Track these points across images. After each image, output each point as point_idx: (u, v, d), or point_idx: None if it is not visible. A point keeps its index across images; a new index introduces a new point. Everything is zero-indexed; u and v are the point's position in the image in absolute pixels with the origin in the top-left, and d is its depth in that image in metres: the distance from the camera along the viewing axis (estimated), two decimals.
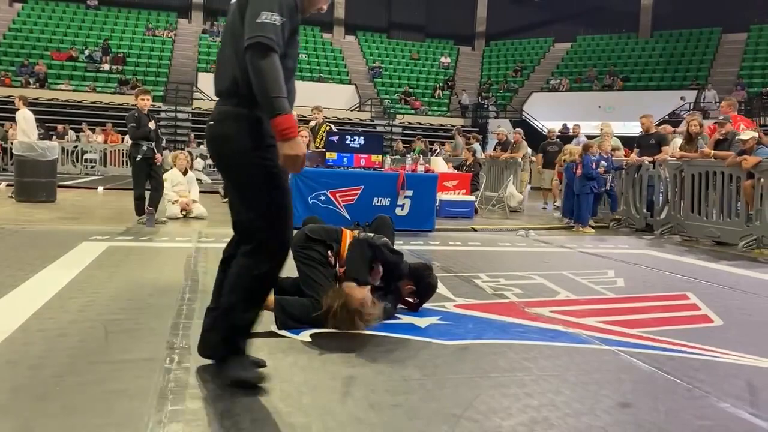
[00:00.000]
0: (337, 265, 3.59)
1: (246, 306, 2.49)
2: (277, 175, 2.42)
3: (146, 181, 7.79)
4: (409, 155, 13.87)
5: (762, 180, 7.22)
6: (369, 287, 3.36)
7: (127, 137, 19.76)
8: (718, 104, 21.32)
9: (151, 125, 7.80)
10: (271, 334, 3.21)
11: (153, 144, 7.80)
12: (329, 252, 3.56)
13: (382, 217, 4.16)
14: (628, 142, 11.69)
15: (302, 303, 3.37)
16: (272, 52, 2.26)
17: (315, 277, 3.43)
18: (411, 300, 3.81)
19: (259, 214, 2.42)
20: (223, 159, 2.50)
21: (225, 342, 2.50)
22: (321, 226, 3.75)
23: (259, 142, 2.40)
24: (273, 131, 2.28)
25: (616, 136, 11.07)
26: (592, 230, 8.76)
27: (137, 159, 7.72)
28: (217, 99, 2.56)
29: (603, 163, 8.97)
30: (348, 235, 3.64)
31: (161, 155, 8.05)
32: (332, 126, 10.34)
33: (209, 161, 19.28)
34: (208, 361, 2.74)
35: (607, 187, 9.17)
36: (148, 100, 7.92)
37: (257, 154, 2.40)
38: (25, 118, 10.40)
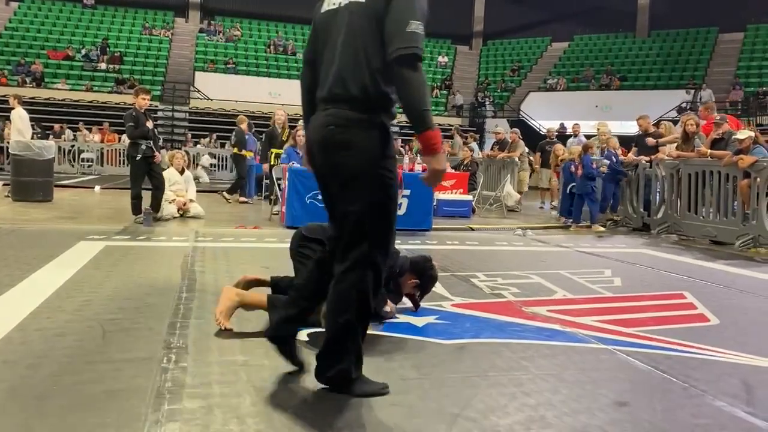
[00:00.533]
0: None
1: (361, 322, 2.43)
2: (394, 187, 2.40)
3: (143, 181, 7.79)
4: (406, 155, 13.87)
5: (758, 179, 7.24)
6: None
7: (124, 136, 19.83)
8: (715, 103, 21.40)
9: (149, 124, 7.79)
10: None
11: (151, 143, 7.79)
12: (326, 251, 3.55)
13: None
14: (625, 141, 11.72)
15: None
16: (421, 64, 2.25)
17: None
18: (415, 294, 3.77)
19: (376, 228, 2.35)
20: (344, 168, 2.33)
21: (358, 361, 2.45)
22: (319, 224, 3.73)
23: (385, 152, 2.36)
24: (421, 144, 2.29)
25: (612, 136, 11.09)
26: (602, 228, 8.76)
27: (136, 158, 7.71)
28: (327, 103, 2.39)
29: (605, 161, 9.01)
30: None
31: (159, 154, 8.06)
32: None
33: (214, 160, 19.33)
34: (206, 361, 2.75)
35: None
36: (147, 99, 7.91)
37: (382, 163, 2.34)
38: (20, 116, 10.39)
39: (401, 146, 21.03)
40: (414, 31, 2.21)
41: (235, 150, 11.58)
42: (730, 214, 7.67)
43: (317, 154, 2.43)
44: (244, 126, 11.76)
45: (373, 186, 2.32)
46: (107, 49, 26.17)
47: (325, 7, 2.48)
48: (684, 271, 5.75)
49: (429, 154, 2.27)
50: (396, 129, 25.43)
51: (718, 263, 6.31)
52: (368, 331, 3.25)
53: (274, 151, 10.47)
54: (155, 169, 7.89)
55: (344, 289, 2.36)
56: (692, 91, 23.95)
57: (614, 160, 9.15)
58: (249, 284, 3.64)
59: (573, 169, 9.20)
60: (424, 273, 3.74)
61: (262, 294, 3.44)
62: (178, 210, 8.52)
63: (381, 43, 2.26)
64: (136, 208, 7.73)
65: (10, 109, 10.93)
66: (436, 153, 2.26)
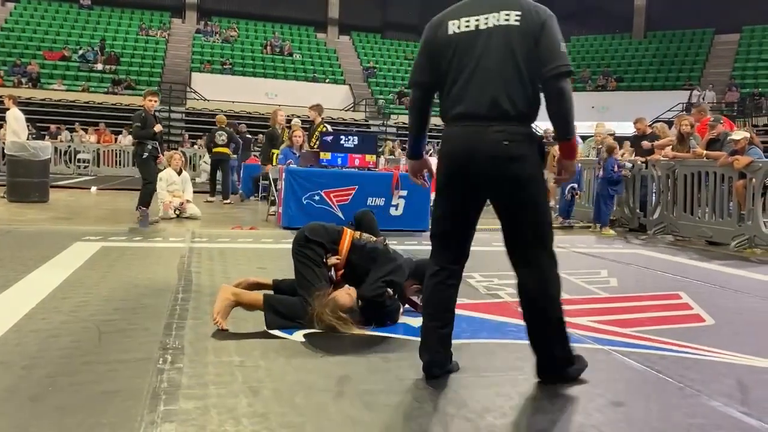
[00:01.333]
0: (333, 270, 3.57)
1: (561, 311, 2.67)
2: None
3: (155, 173, 8.06)
4: (402, 157, 13.89)
5: (754, 180, 7.26)
6: (347, 290, 3.39)
7: (120, 137, 19.90)
8: (710, 103, 21.47)
9: (157, 128, 8.01)
10: (264, 334, 3.21)
11: (157, 144, 8.04)
12: (326, 253, 3.55)
13: (364, 213, 4.02)
14: (621, 143, 11.72)
15: (292, 302, 3.36)
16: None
17: (308, 276, 3.41)
18: (417, 300, 3.69)
19: (546, 222, 2.64)
20: (520, 179, 2.54)
21: (568, 353, 2.69)
22: (322, 225, 3.70)
23: (541, 160, 2.62)
24: (564, 149, 2.64)
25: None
26: (613, 232, 8.65)
27: (143, 156, 7.92)
28: (491, 120, 2.52)
29: (628, 164, 8.98)
30: (348, 235, 3.62)
31: (162, 156, 8.27)
32: (327, 126, 10.34)
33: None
34: (202, 361, 2.75)
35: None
36: (155, 101, 8.21)
37: (541, 170, 2.63)
38: (16, 117, 10.36)
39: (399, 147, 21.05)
40: (564, 51, 2.51)
41: (223, 149, 11.58)
42: (726, 215, 7.69)
43: (482, 165, 2.53)
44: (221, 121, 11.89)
45: (540, 191, 2.61)
46: (104, 50, 26.09)
47: (456, 29, 2.57)
48: (680, 271, 5.77)
49: (568, 158, 2.66)
50: (393, 130, 25.49)
51: (713, 263, 6.32)
52: (365, 331, 3.28)
53: (275, 151, 10.47)
54: (156, 170, 8.17)
55: (549, 287, 2.64)
56: (699, 91, 23.95)
57: (627, 165, 8.99)
58: (250, 287, 3.63)
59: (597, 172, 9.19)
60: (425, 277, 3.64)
61: (258, 293, 3.44)
62: (175, 210, 8.51)
63: (536, 63, 2.49)
64: (145, 201, 7.93)
65: (5, 110, 10.91)
66: (573, 158, 2.68)
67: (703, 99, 23.16)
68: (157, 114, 8.29)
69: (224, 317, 3.22)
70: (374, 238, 3.69)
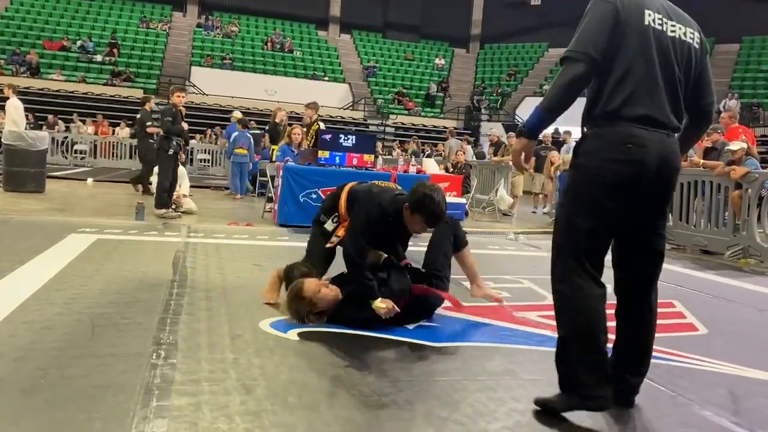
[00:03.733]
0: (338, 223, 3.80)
1: None
2: None
3: (172, 175, 7.98)
4: (401, 157, 13.90)
5: (750, 190, 7.29)
6: (324, 283, 3.44)
7: (117, 129, 19.84)
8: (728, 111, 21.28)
9: (184, 125, 8.03)
10: (258, 332, 3.21)
11: (182, 141, 8.06)
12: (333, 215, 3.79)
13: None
14: None
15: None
16: None
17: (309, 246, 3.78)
18: (420, 230, 3.62)
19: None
20: (673, 187, 2.50)
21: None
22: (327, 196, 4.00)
23: None
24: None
25: None
26: None
27: (168, 152, 7.90)
28: (673, 131, 2.40)
29: None
30: (345, 189, 3.81)
31: (184, 154, 8.32)
32: (321, 123, 10.32)
33: (207, 156, 19.27)
34: (195, 358, 2.75)
35: None
36: (183, 97, 8.27)
37: None
38: (15, 107, 10.33)
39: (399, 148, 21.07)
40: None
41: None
42: (721, 224, 7.71)
43: (664, 172, 2.36)
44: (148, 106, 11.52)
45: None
46: (115, 44, 25.93)
47: (655, 25, 2.35)
48: (674, 279, 5.78)
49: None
50: (392, 130, 25.50)
51: (707, 273, 6.34)
52: (359, 332, 3.28)
53: (274, 148, 10.46)
54: (176, 166, 8.14)
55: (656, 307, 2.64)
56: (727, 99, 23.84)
57: None
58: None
59: None
60: (423, 207, 3.41)
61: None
62: (171, 205, 8.49)
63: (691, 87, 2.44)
64: (162, 201, 7.84)
65: (4, 99, 10.87)
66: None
67: (724, 106, 22.91)
68: (182, 110, 8.28)
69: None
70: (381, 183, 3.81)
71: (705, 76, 2.50)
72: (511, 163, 12.05)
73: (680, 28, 2.41)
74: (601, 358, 2.32)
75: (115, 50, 25.64)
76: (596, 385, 2.28)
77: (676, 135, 2.44)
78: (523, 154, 2.40)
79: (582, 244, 2.35)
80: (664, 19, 2.37)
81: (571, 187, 2.41)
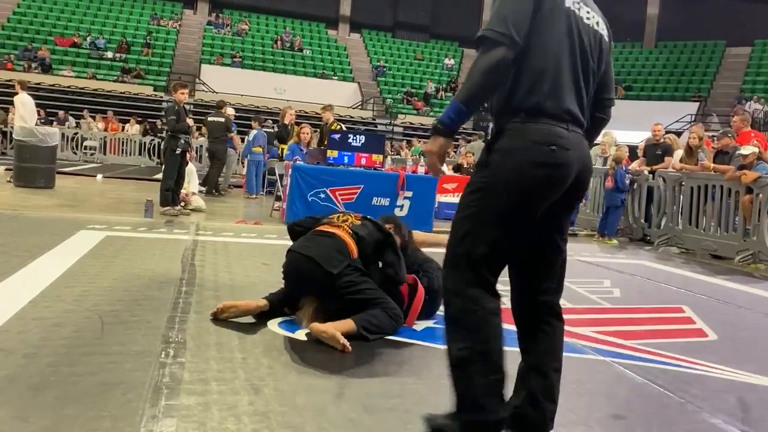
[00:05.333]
0: None
1: None
2: None
3: (177, 174, 7.97)
4: (409, 157, 13.88)
5: (760, 195, 7.23)
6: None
7: (127, 126, 19.92)
8: (743, 114, 21.06)
9: (189, 122, 8.00)
10: (267, 332, 3.21)
11: (189, 138, 8.03)
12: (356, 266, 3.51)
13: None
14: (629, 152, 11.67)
15: (377, 316, 3.31)
16: None
17: (368, 296, 3.34)
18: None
19: None
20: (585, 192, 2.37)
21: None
22: (324, 249, 3.40)
23: None
24: None
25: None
26: (616, 242, 8.64)
27: (176, 151, 7.87)
28: (570, 125, 2.06)
29: (629, 175, 8.97)
30: (351, 243, 3.44)
31: (192, 151, 8.29)
32: (341, 125, 10.29)
33: None
34: (204, 357, 2.75)
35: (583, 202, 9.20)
36: (185, 93, 8.22)
37: None
38: (24, 102, 10.38)
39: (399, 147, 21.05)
40: None
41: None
42: (731, 229, 7.66)
43: (583, 177, 2.14)
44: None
45: None
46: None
47: (576, 9, 2.11)
48: (683, 284, 5.75)
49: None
50: (400, 130, 25.49)
51: (717, 278, 6.30)
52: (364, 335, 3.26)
53: (283, 147, 10.49)
54: (184, 164, 8.10)
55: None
56: (748, 102, 23.48)
57: (621, 177, 8.95)
58: (242, 312, 3.41)
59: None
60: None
61: (348, 322, 3.17)
62: (180, 202, 8.52)
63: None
64: (167, 200, 7.84)
65: (15, 94, 10.94)
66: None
67: (748, 110, 22.42)
68: (187, 107, 8.24)
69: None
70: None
71: (609, 71, 2.31)
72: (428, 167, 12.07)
73: (594, 17, 2.19)
74: (500, 377, 2.06)
75: (123, 46, 25.72)
76: (495, 408, 2.04)
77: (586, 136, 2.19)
78: (443, 155, 2.09)
79: (483, 254, 2.02)
80: (581, 4, 2.14)
81: (480, 188, 2.04)
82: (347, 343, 2.97)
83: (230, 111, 12.61)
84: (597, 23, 2.20)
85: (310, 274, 3.27)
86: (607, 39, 2.25)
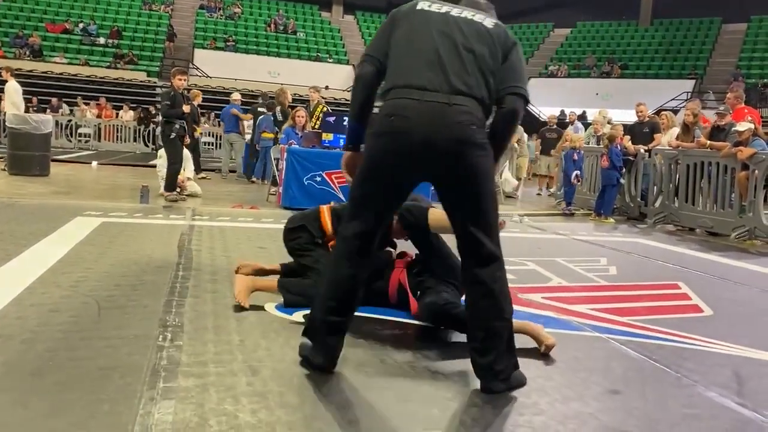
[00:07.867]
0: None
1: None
2: None
3: (182, 157, 7.96)
4: None
5: (756, 172, 7.24)
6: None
7: (121, 112, 19.79)
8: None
9: (186, 108, 7.94)
10: (264, 314, 3.22)
11: (185, 124, 7.96)
12: (312, 234, 3.54)
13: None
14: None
15: (303, 284, 3.39)
16: None
17: (308, 263, 3.45)
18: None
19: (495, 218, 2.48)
20: (482, 169, 2.35)
21: (511, 351, 2.42)
22: (298, 213, 3.74)
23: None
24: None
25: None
26: (612, 220, 8.68)
27: (170, 137, 7.82)
28: (451, 94, 2.29)
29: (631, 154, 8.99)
30: (326, 211, 3.57)
31: (189, 136, 8.25)
32: (327, 107, 10.25)
33: (211, 138, 19.22)
34: (201, 340, 2.76)
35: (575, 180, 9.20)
36: (184, 80, 8.14)
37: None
38: (15, 89, 10.30)
39: None
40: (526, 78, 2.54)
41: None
42: (727, 206, 7.68)
43: (438, 145, 2.27)
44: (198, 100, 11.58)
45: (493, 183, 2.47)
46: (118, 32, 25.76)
47: (428, 7, 2.46)
48: (679, 261, 5.77)
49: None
50: None
51: (713, 254, 6.33)
52: (365, 314, 3.28)
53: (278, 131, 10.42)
54: (181, 149, 8.09)
55: (503, 287, 2.46)
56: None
57: (618, 156, 8.93)
58: (257, 272, 3.64)
59: (576, 157, 9.19)
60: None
61: (272, 280, 3.51)
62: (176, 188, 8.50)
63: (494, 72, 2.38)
64: (173, 185, 7.84)
65: (3, 82, 10.84)
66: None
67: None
68: (185, 93, 8.18)
69: (245, 298, 3.31)
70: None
71: (511, 62, 2.41)
72: (515, 144, 11.88)
73: (464, 11, 2.44)
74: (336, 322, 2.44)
75: (115, 32, 25.46)
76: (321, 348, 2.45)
77: (468, 105, 2.29)
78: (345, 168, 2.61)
79: (352, 215, 2.43)
80: (440, 4, 2.47)
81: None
82: (243, 300, 3.27)
83: (236, 96, 12.64)
84: (473, 15, 2.44)
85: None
86: (490, 27, 2.42)
